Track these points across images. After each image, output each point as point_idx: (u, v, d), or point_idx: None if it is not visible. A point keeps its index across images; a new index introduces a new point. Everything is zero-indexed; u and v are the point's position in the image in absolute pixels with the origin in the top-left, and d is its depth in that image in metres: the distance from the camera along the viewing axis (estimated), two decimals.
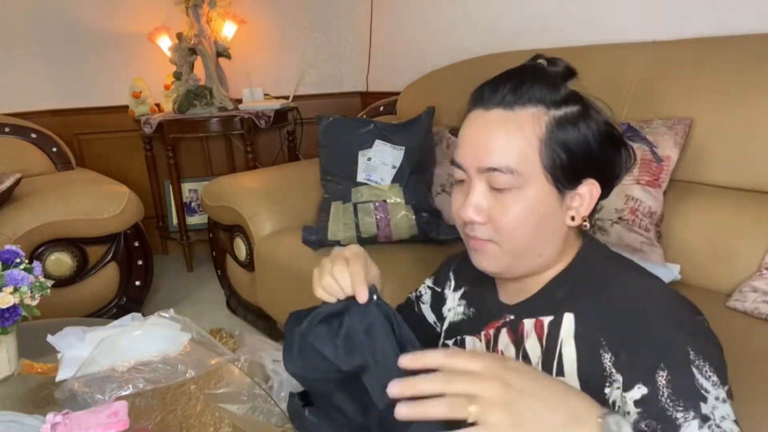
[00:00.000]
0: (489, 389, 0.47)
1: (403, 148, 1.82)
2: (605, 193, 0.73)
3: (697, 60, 1.49)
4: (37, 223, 2.00)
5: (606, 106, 0.73)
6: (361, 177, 1.81)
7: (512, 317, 0.77)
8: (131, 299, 2.27)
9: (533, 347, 0.73)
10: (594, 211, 0.73)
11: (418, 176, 1.82)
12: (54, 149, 2.64)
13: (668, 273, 1.33)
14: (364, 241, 1.76)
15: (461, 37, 2.40)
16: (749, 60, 1.40)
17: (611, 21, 1.87)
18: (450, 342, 0.89)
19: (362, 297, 0.69)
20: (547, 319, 0.72)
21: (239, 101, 2.86)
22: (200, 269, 2.93)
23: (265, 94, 2.96)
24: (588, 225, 0.73)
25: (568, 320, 0.70)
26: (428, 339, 0.93)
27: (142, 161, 2.91)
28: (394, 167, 1.80)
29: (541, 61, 0.73)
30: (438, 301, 0.95)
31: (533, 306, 0.75)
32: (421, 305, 0.98)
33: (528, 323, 0.74)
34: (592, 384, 0.65)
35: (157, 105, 2.91)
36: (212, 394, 0.96)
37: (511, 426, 0.46)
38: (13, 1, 2.71)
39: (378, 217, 1.76)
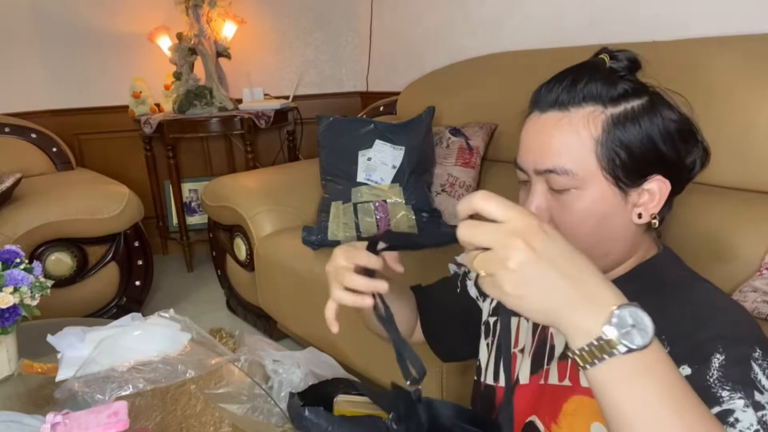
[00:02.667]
0: (508, 247, 0.45)
1: (403, 148, 1.82)
2: (678, 189, 0.71)
3: (697, 60, 1.49)
4: (37, 223, 2.00)
5: (683, 99, 0.71)
6: (361, 177, 1.81)
7: None
8: (131, 299, 2.27)
9: None
10: (668, 207, 0.71)
11: (418, 176, 1.82)
12: (54, 149, 2.64)
13: None
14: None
15: (461, 37, 2.40)
16: (749, 60, 1.40)
17: (611, 21, 1.87)
18: (492, 320, 0.88)
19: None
20: None
21: (239, 101, 2.86)
22: (200, 269, 2.93)
23: (265, 94, 2.96)
24: (657, 222, 0.71)
25: None
26: (468, 313, 0.92)
27: (142, 161, 2.91)
28: (394, 167, 1.80)
29: (603, 55, 0.70)
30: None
31: None
32: (467, 281, 0.95)
33: None
34: None
35: (157, 105, 2.91)
36: (212, 394, 0.96)
37: (516, 284, 0.45)
38: (13, 1, 2.71)
39: (378, 217, 1.76)
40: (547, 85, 0.70)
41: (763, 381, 0.56)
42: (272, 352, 1.75)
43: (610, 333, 0.44)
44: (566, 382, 0.71)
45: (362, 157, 1.82)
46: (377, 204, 1.77)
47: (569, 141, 0.66)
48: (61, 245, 2.08)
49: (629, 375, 0.45)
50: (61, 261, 2.08)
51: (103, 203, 2.13)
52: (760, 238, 1.28)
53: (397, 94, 2.47)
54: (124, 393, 0.95)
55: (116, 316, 1.38)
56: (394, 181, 1.79)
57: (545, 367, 0.75)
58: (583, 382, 0.69)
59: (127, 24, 2.87)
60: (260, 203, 1.98)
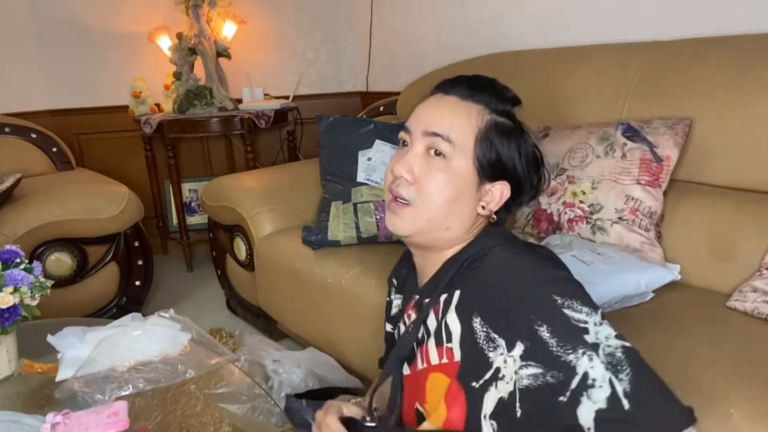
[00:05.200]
0: None
1: None
2: (516, 202, 0.87)
3: (697, 60, 1.49)
4: (37, 223, 2.00)
5: (534, 136, 0.90)
6: (361, 177, 1.81)
7: (418, 297, 0.89)
8: (131, 299, 2.27)
9: (432, 322, 0.83)
10: (506, 211, 0.87)
11: None
12: (54, 149, 2.64)
13: (668, 273, 1.33)
14: (364, 241, 1.76)
15: (461, 37, 2.40)
16: (749, 60, 1.40)
17: (611, 21, 1.87)
18: (392, 329, 1.06)
19: None
20: (442, 297, 0.82)
21: (239, 101, 2.86)
22: (200, 269, 2.93)
23: (265, 94, 2.96)
24: (495, 218, 0.86)
25: (456, 295, 0.80)
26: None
27: (142, 161, 2.91)
28: None
29: (496, 79, 0.89)
30: (389, 310, 1.07)
31: (432, 287, 0.85)
32: (385, 325, 1.09)
33: (428, 302, 0.84)
34: (474, 351, 0.74)
35: (157, 105, 2.91)
36: (212, 394, 0.96)
37: None
38: (13, 1, 2.71)
39: (378, 217, 1.76)
40: (455, 79, 0.87)
41: (579, 317, 0.67)
42: (272, 352, 1.75)
43: None
44: (423, 365, 0.83)
45: (362, 157, 1.82)
46: (377, 204, 1.77)
47: (460, 120, 0.83)
48: (61, 245, 2.08)
49: None
50: (61, 261, 2.08)
51: (103, 203, 2.13)
52: (760, 238, 1.28)
53: (397, 94, 2.47)
54: (124, 393, 0.96)
55: (116, 316, 1.38)
56: None
57: (417, 356, 0.86)
58: (433, 361, 0.81)
59: (127, 24, 2.87)
60: (260, 203, 1.98)
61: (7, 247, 1.09)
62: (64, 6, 2.78)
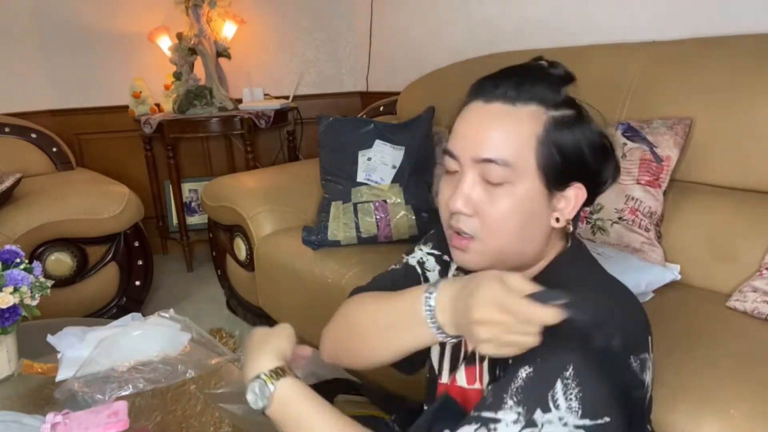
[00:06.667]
0: None
1: (403, 148, 1.82)
2: (589, 200, 0.74)
3: (697, 60, 1.49)
4: (37, 223, 2.00)
5: (600, 115, 0.74)
6: (361, 177, 1.81)
7: None
8: (131, 299, 2.27)
9: None
10: (577, 215, 0.74)
11: (418, 176, 1.82)
12: (54, 149, 2.64)
13: (668, 273, 1.33)
14: (364, 241, 1.76)
15: (461, 37, 2.40)
16: (749, 60, 1.40)
17: (611, 21, 1.87)
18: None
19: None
20: None
21: (239, 101, 2.86)
22: (200, 269, 2.93)
23: (265, 94, 2.96)
24: (571, 228, 0.74)
25: None
26: None
27: (142, 161, 2.91)
28: (394, 167, 1.80)
29: (542, 62, 0.74)
30: (445, 270, 0.90)
31: None
32: (427, 273, 0.91)
33: None
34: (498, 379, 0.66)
35: (157, 105, 2.91)
36: (212, 394, 0.96)
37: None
38: (13, 1, 2.71)
39: (378, 217, 1.76)
40: (493, 78, 0.71)
41: (559, 398, 0.58)
42: None
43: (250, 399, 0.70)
44: (476, 385, 0.74)
45: (362, 157, 1.82)
46: (377, 204, 1.77)
47: (513, 133, 0.68)
48: (61, 245, 2.08)
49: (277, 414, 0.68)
50: (61, 261, 2.08)
51: (103, 203, 2.13)
52: (760, 238, 1.28)
53: (397, 94, 2.47)
54: (124, 393, 0.96)
55: (116, 316, 1.38)
56: (394, 181, 1.79)
57: (457, 369, 0.77)
58: (472, 384, 0.72)
59: (127, 24, 2.87)
60: (260, 203, 1.98)
61: (7, 247, 1.09)
62: (64, 6, 2.78)
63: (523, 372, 0.60)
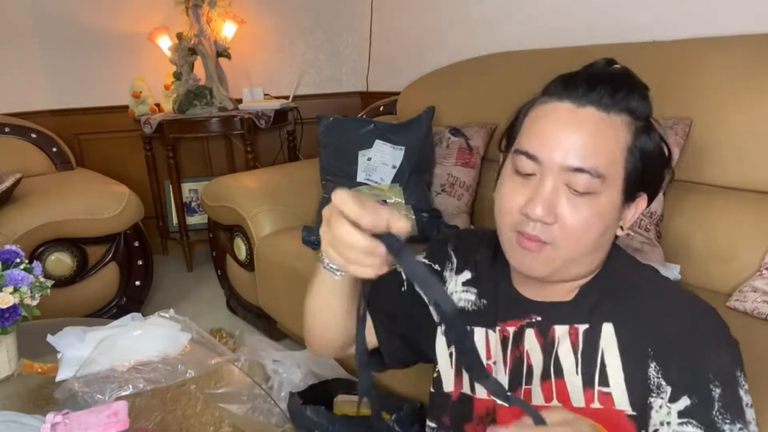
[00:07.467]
0: None
1: (403, 148, 1.82)
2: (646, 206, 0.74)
3: (697, 60, 1.49)
4: (37, 223, 2.00)
5: (658, 123, 0.72)
6: (361, 177, 1.81)
7: (539, 318, 0.74)
8: (131, 299, 2.27)
9: (566, 355, 0.71)
10: None
11: (418, 176, 1.82)
12: (54, 149, 2.64)
13: (668, 273, 1.33)
14: None
15: (461, 37, 2.40)
16: (749, 60, 1.40)
17: (611, 21, 1.87)
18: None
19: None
20: (582, 327, 0.71)
21: (239, 101, 2.86)
22: (200, 269, 2.93)
23: (265, 94, 2.96)
24: (626, 234, 0.74)
25: (608, 330, 0.69)
26: (421, 322, 0.84)
27: (142, 161, 2.91)
28: (394, 167, 1.80)
29: (628, 70, 0.72)
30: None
31: (565, 312, 0.72)
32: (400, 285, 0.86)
33: (560, 330, 0.72)
34: (638, 392, 0.67)
35: (157, 105, 2.91)
36: (212, 394, 0.96)
37: None
38: (13, 1, 2.71)
39: None
40: (587, 81, 0.67)
41: (743, 396, 0.65)
42: (272, 352, 1.75)
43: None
44: (555, 403, 0.71)
45: (362, 157, 1.82)
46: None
47: (607, 144, 0.65)
48: (61, 245, 2.08)
49: None
50: (61, 261, 2.08)
51: (103, 203, 2.13)
52: (760, 238, 1.28)
53: (397, 94, 2.47)
54: (124, 393, 0.96)
55: (116, 316, 1.38)
56: (394, 181, 1.79)
57: (524, 386, 0.74)
58: (575, 403, 0.70)
59: (127, 24, 2.87)
60: (260, 203, 1.98)
61: (7, 247, 1.09)
62: (64, 6, 2.78)
63: (715, 394, 0.64)
